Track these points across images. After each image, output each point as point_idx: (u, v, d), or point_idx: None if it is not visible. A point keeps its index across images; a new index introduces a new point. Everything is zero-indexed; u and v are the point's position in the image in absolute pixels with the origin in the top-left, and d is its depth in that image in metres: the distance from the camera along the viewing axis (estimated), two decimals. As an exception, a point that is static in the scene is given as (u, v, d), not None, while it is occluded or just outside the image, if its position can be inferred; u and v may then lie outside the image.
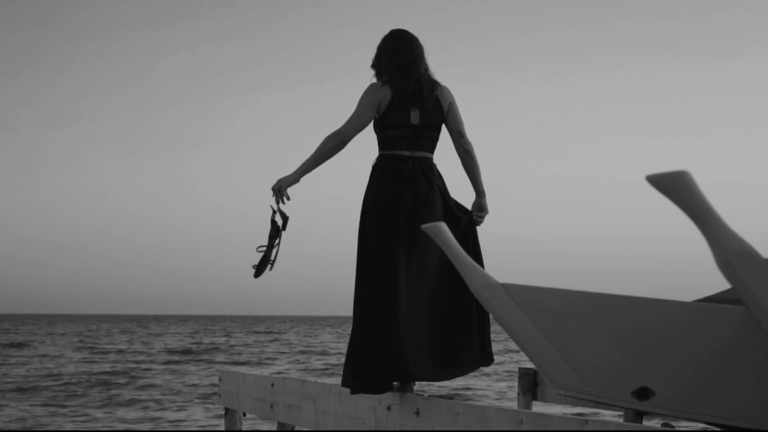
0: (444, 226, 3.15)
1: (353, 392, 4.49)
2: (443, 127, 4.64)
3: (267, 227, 4.66)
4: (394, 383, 4.47)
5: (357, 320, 4.49)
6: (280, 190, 4.51)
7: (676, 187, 2.40)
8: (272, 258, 4.64)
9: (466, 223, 4.64)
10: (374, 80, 4.63)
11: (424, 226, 3.25)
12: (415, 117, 4.52)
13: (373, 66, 4.65)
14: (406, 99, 4.51)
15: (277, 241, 4.64)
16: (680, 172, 2.37)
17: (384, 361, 4.39)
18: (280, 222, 4.62)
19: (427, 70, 4.61)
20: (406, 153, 4.54)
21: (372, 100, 4.53)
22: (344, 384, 4.52)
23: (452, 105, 4.62)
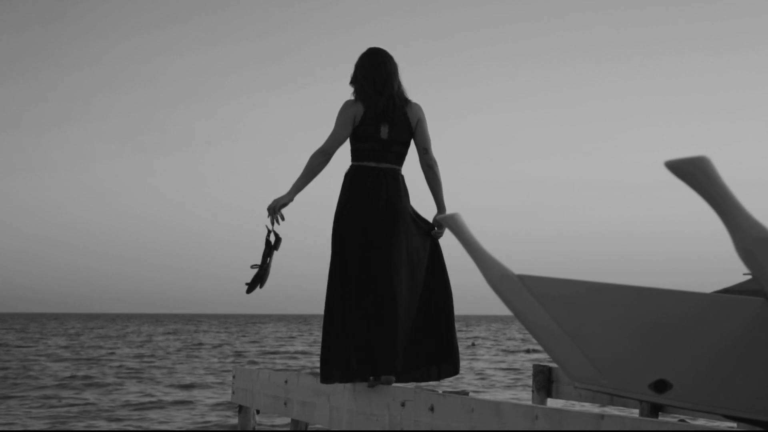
0: (460, 217, 3.14)
1: (325, 382, 4.76)
2: (412, 142, 4.87)
3: (261, 245, 4.83)
4: (371, 378, 4.72)
5: (325, 320, 4.74)
6: (275, 210, 4.72)
7: (695, 172, 2.37)
8: (264, 276, 4.84)
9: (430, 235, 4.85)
10: (352, 97, 4.85)
11: (439, 217, 3.25)
12: (384, 132, 4.78)
13: (351, 83, 4.88)
14: (378, 114, 4.77)
15: (269, 260, 4.85)
16: (699, 158, 2.34)
17: (348, 358, 4.67)
18: (273, 241, 4.82)
19: (400, 86, 4.87)
20: (373, 164, 4.79)
21: (347, 116, 4.79)
22: (322, 380, 4.76)
23: (420, 122, 4.85)
